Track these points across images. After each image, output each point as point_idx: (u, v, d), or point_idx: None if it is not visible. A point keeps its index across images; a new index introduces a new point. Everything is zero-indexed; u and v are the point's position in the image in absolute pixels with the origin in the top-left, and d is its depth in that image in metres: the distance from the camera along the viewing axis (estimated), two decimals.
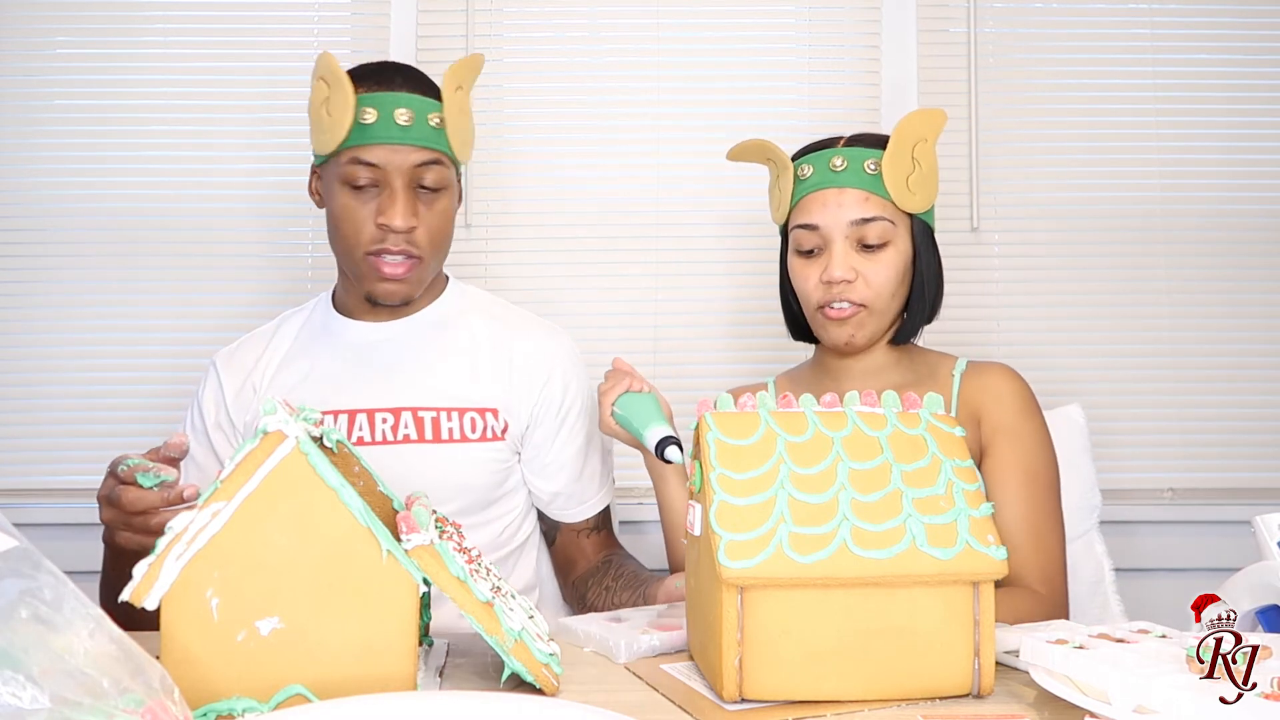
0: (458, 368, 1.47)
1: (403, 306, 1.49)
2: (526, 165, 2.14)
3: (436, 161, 1.41)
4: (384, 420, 1.43)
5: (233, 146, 2.12)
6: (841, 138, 1.44)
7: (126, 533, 1.11)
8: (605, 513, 1.56)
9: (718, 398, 0.99)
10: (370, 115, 1.37)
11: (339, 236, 1.44)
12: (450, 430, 1.44)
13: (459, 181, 1.51)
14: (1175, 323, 2.14)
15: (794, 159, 1.44)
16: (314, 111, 1.41)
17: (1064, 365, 2.12)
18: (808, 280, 1.41)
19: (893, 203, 1.39)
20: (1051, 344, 2.13)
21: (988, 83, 2.15)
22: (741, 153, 1.51)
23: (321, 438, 0.98)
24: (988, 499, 1.30)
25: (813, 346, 1.53)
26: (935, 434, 0.97)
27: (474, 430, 1.45)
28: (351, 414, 1.43)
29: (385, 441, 1.42)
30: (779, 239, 1.50)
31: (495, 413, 1.46)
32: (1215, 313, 2.14)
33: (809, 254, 1.41)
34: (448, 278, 1.58)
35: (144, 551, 1.13)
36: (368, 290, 1.45)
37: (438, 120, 1.40)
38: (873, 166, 1.39)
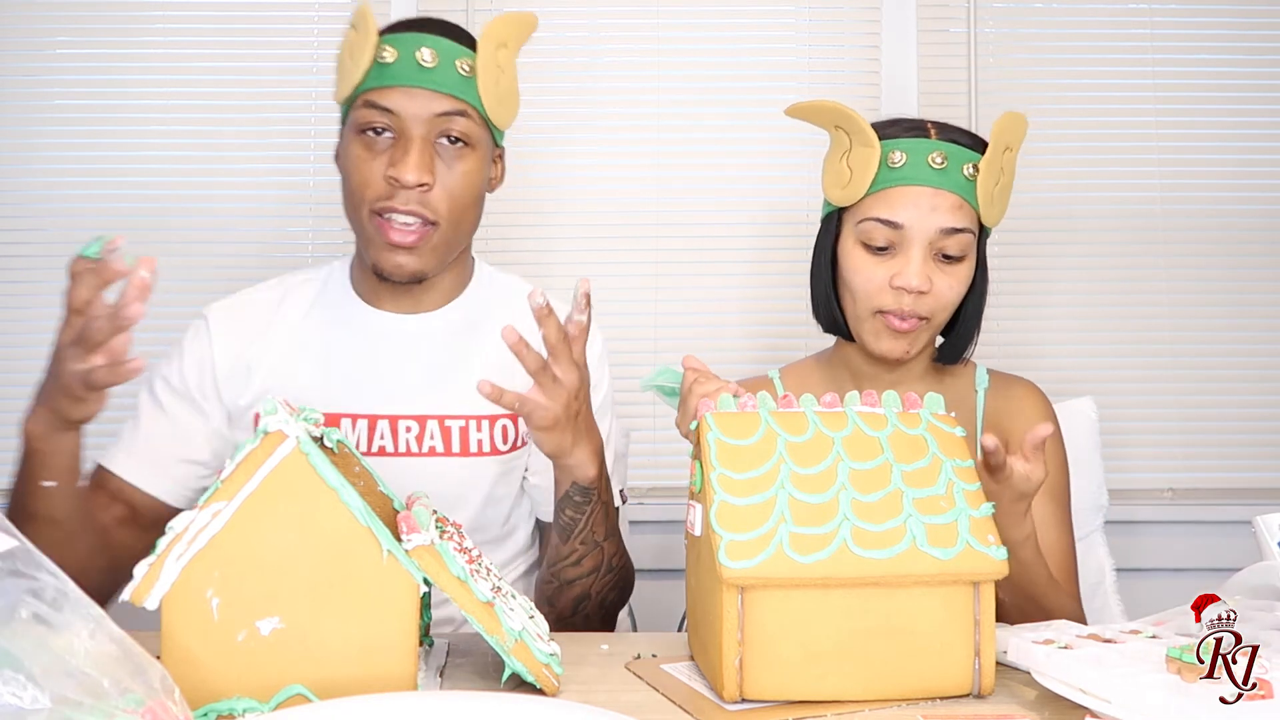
0: (488, 368, 1.30)
1: (424, 294, 1.35)
2: (526, 165, 2.14)
3: (462, 113, 1.26)
4: (408, 429, 1.31)
5: (233, 146, 2.12)
6: (927, 122, 1.30)
7: (76, 364, 0.99)
8: None
9: (719, 397, 0.99)
10: (389, 54, 1.24)
11: (347, 193, 1.29)
12: (480, 442, 1.32)
13: (499, 153, 1.37)
14: (1174, 323, 2.14)
15: (881, 138, 1.28)
16: (339, 60, 1.30)
17: (1062, 366, 2.12)
18: (872, 280, 1.27)
19: (978, 213, 1.28)
20: (1049, 344, 2.13)
21: (988, 83, 2.15)
22: (807, 112, 1.34)
23: (322, 438, 0.98)
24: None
25: (830, 339, 1.43)
26: (935, 434, 0.97)
27: (505, 440, 1.34)
28: (372, 420, 1.31)
29: (409, 453, 1.31)
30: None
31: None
32: (1215, 312, 2.14)
33: (880, 250, 1.27)
34: (474, 259, 1.42)
35: (75, 408, 1.04)
36: (374, 261, 1.28)
37: (468, 67, 1.26)
38: (970, 171, 1.26)
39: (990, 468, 1.06)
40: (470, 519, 1.33)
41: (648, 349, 2.10)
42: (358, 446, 1.31)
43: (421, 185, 1.24)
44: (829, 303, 1.35)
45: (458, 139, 1.26)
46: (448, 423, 1.32)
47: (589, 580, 1.25)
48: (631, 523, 1.94)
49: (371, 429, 1.31)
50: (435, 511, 1.00)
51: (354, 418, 1.30)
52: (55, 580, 0.69)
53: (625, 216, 2.14)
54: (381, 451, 1.30)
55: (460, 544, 0.94)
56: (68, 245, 2.09)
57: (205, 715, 0.83)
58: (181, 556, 0.83)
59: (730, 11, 2.16)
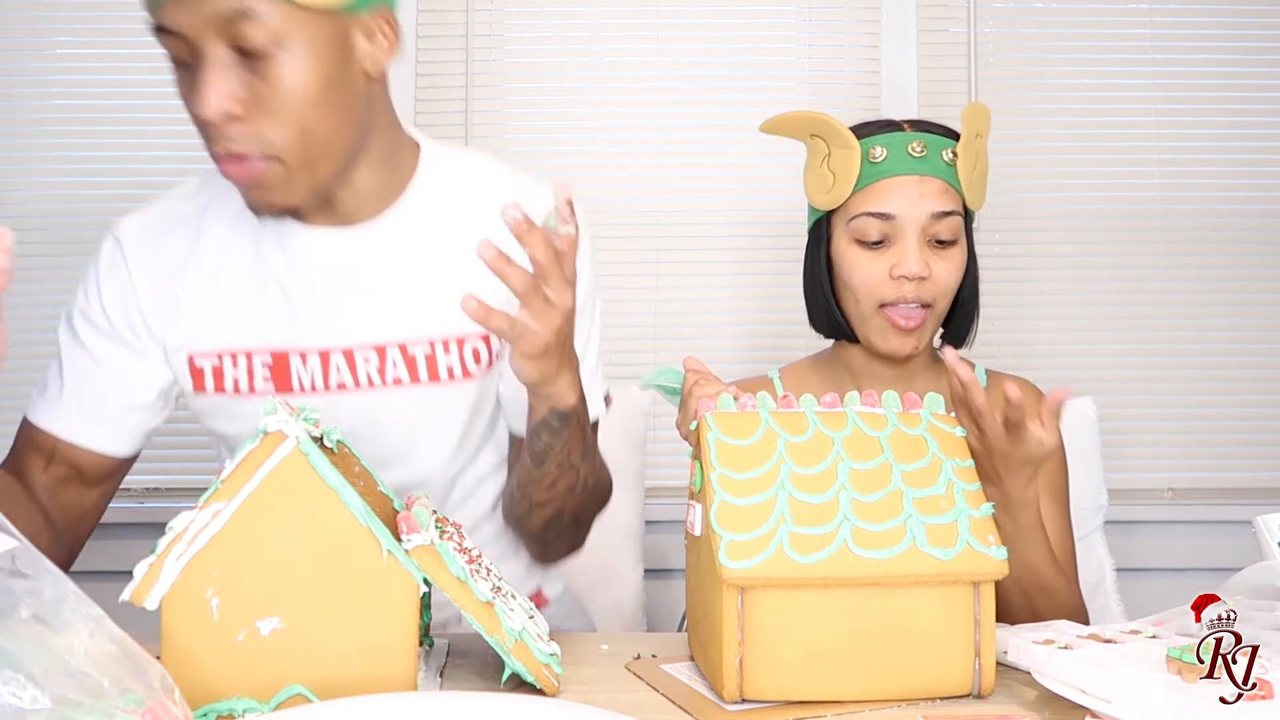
0: (449, 280, 1.14)
1: (353, 202, 1.14)
2: (526, 165, 2.13)
3: (247, 11, 0.97)
4: (366, 360, 1.15)
5: None
6: (897, 121, 1.33)
7: None
8: None
9: (719, 397, 0.99)
10: None
11: None
12: (450, 369, 1.17)
13: (376, 18, 1.06)
14: (1174, 323, 2.14)
15: (859, 138, 1.30)
16: None
17: (1062, 366, 2.12)
18: (871, 274, 1.28)
19: (963, 197, 1.30)
20: (1049, 344, 2.13)
21: (988, 83, 2.15)
22: (781, 125, 1.36)
23: (322, 438, 0.98)
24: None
25: (829, 341, 1.43)
26: (936, 434, 0.97)
27: (478, 361, 1.18)
28: (324, 354, 1.15)
29: (372, 386, 1.15)
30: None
31: (488, 339, 1.19)
32: (1215, 313, 2.14)
33: (875, 245, 1.28)
34: (418, 145, 1.20)
35: None
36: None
37: None
38: (949, 156, 1.29)
39: (1008, 424, 1.06)
40: (450, 446, 1.21)
41: (648, 348, 2.10)
42: (312, 387, 1.16)
43: (228, 118, 1.00)
44: (829, 308, 1.35)
45: (258, 47, 0.99)
46: (412, 350, 1.16)
47: (562, 501, 1.15)
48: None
49: (325, 364, 1.15)
50: (435, 511, 1.00)
51: (304, 353, 1.14)
52: (55, 580, 0.69)
53: (625, 216, 2.14)
54: (342, 388, 1.15)
55: (460, 544, 0.94)
56: (68, 245, 2.10)
57: (205, 715, 0.83)
58: (181, 556, 0.83)
59: (730, 11, 2.16)
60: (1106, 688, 0.80)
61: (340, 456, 1.01)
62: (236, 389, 1.17)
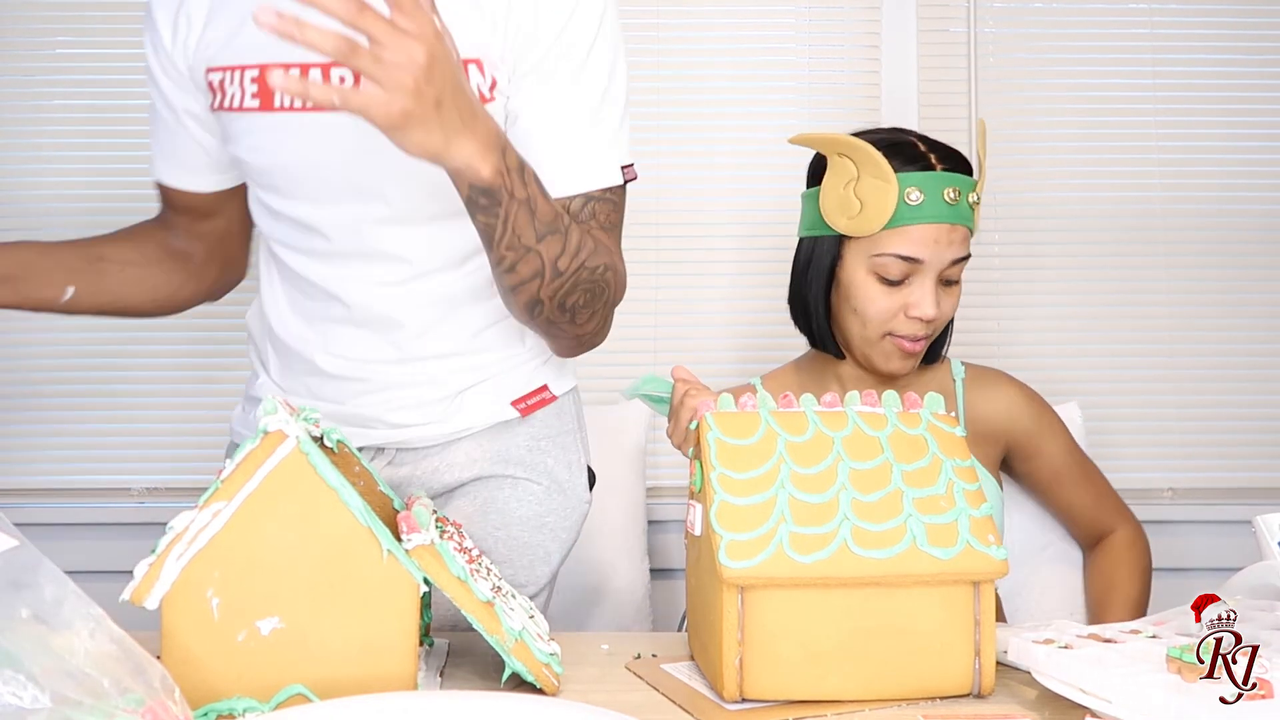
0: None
1: None
2: None
3: None
4: (342, 79, 1.07)
5: None
6: (927, 151, 1.33)
7: None
8: (592, 199, 1.13)
9: (719, 397, 0.99)
10: None
11: None
12: None
13: None
14: (1175, 323, 2.14)
15: (894, 170, 1.30)
16: None
17: (1064, 366, 2.12)
18: (885, 309, 1.32)
19: (972, 234, 1.36)
20: (1051, 344, 2.13)
21: (988, 83, 2.15)
22: (814, 142, 1.38)
23: (322, 437, 0.98)
24: (1053, 489, 1.51)
25: (806, 345, 1.47)
26: (935, 434, 0.97)
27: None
28: (304, 68, 1.08)
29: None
30: (791, 232, 1.40)
31: (480, 65, 1.08)
32: (1215, 313, 2.14)
33: (893, 282, 1.32)
34: None
35: None
36: None
37: None
38: (973, 199, 1.33)
39: None
40: (430, 184, 1.05)
41: (648, 349, 2.10)
42: (291, 105, 1.11)
43: None
44: (825, 327, 1.38)
45: None
46: None
47: (533, 286, 1.04)
48: (654, 522, 1.92)
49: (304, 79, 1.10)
50: (435, 511, 1.00)
51: (286, 67, 1.07)
52: (55, 580, 0.69)
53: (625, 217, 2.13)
54: (317, 108, 1.05)
55: (460, 544, 0.94)
56: None
57: (205, 715, 0.83)
58: (181, 556, 0.83)
59: (729, 11, 2.16)
60: (1106, 688, 0.80)
61: (340, 456, 1.01)
62: (232, 105, 1.15)
